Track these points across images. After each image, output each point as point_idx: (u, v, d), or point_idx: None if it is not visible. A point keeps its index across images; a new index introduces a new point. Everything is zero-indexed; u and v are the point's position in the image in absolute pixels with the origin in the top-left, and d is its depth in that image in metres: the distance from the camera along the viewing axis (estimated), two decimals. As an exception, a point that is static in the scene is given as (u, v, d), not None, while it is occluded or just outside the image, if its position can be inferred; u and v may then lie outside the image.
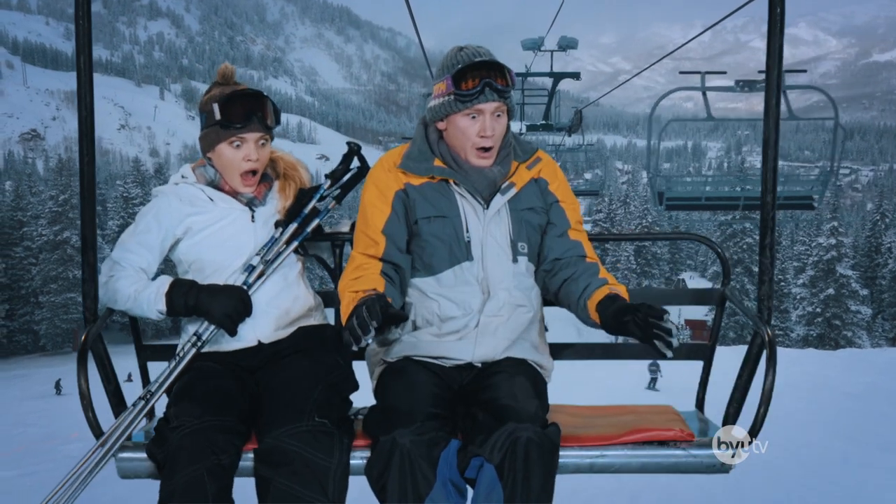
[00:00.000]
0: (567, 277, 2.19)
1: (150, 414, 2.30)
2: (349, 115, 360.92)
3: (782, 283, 46.38)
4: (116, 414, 2.16)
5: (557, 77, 17.00)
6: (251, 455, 2.01)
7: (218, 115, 2.20)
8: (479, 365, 2.15)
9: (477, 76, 2.10)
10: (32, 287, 51.27)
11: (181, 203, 2.26)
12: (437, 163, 2.21)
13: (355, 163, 2.45)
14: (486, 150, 2.17)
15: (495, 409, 1.94)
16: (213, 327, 2.15)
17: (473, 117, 2.13)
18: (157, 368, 2.38)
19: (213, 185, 2.30)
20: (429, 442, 1.88)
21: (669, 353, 1.88)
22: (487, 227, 2.18)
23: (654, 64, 10.16)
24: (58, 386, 24.81)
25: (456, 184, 2.19)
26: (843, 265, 43.61)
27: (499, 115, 2.15)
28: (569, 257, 2.23)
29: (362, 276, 2.11)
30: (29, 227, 53.04)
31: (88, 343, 2.12)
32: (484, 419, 1.95)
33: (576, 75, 17.17)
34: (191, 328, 2.22)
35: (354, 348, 1.89)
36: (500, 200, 2.20)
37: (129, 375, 19.77)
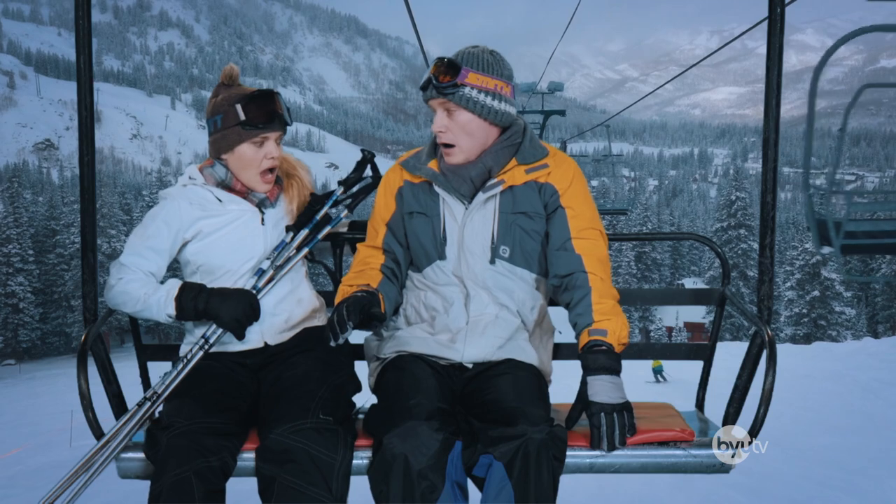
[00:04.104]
0: (567, 302, 2.15)
1: (153, 416, 2.29)
2: (357, 124, 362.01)
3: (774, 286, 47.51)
4: (117, 415, 2.15)
5: (547, 114, 21.37)
6: (251, 455, 1.99)
7: (242, 116, 2.20)
8: (470, 366, 2.14)
9: (428, 75, 2.14)
10: (65, 292, 53.74)
11: (191, 206, 2.25)
12: (432, 164, 2.24)
13: (368, 171, 2.45)
14: (447, 146, 2.18)
15: (503, 411, 1.93)
16: (220, 330, 2.15)
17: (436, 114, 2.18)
18: (155, 368, 2.38)
19: (224, 185, 2.30)
20: (430, 444, 1.87)
21: (603, 448, 1.96)
22: (463, 227, 2.18)
23: (669, 81, 10.36)
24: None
25: (439, 185, 2.21)
26: (827, 268, 44.95)
27: (449, 111, 2.13)
28: (569, 278, 2.14)
29: (363, 271, 2.20)
30: (61, 235, 55.62)
31: (88, 343, 2.12)
32: (490, 419, 1.94)
33: (562, 112, 21.92)
34: (197, 330, 2.23)
35: (332, 344, 1.98)
36: (479, 198, 2.17)
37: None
